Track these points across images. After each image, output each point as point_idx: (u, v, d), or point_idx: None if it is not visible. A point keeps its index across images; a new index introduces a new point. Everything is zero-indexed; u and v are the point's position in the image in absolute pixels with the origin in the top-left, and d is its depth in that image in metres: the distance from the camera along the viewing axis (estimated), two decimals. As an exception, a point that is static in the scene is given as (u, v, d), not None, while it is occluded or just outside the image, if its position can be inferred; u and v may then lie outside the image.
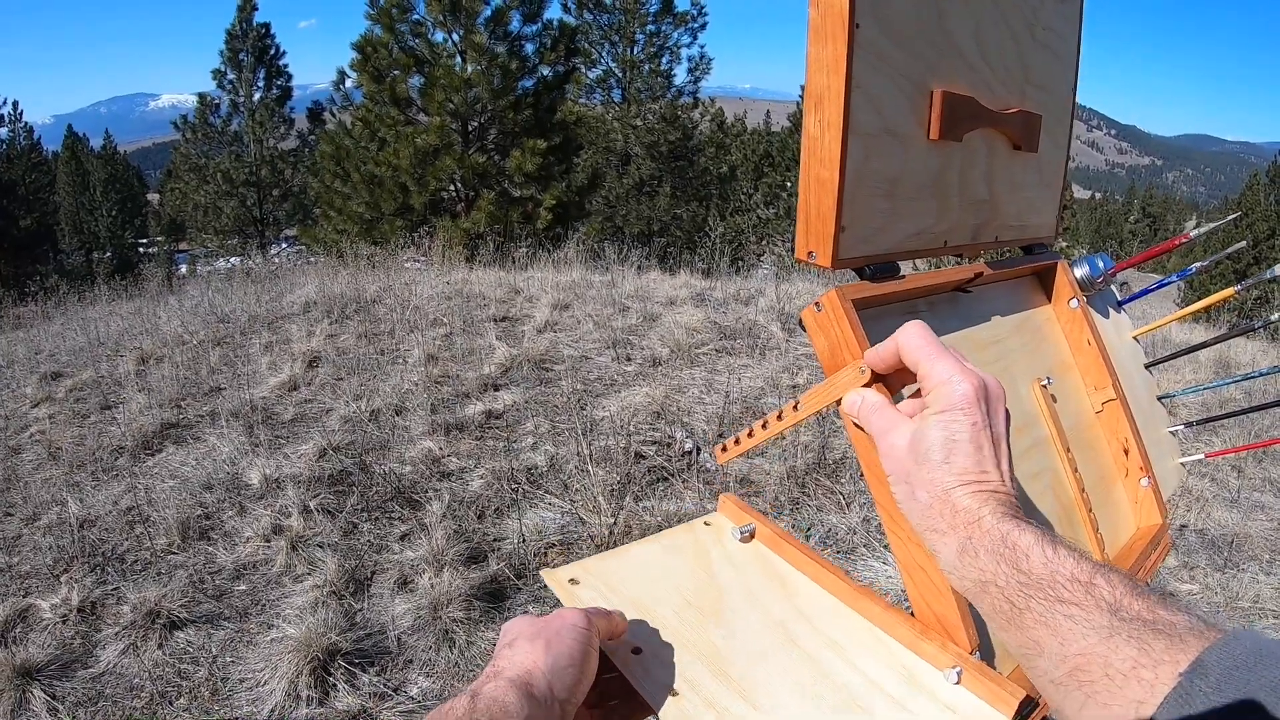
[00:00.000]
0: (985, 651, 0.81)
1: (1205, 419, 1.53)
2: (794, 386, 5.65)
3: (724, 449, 1.00)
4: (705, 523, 0.99)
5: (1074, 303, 1.30)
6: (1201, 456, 1.53)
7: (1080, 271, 1.35)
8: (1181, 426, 1.53)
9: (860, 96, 0.78)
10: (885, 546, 3.78)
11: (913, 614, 0.83)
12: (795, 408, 0.87)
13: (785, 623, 0.84)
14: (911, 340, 0.73)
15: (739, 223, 24.50)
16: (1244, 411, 1.54)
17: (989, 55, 0.99)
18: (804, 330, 0.84)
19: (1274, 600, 3.80)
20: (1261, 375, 1.51)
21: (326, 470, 4.57)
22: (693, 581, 0.89)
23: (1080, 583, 0.57)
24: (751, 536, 0.97)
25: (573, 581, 0.87)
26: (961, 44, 0.93)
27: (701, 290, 8.56)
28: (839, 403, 0.81)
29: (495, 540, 3.91)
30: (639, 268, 10.46)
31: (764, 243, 24.36)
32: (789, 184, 27.25)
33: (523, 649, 0.70)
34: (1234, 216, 1.67)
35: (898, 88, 0.84)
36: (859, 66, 0.77)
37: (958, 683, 0.76)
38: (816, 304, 0.82)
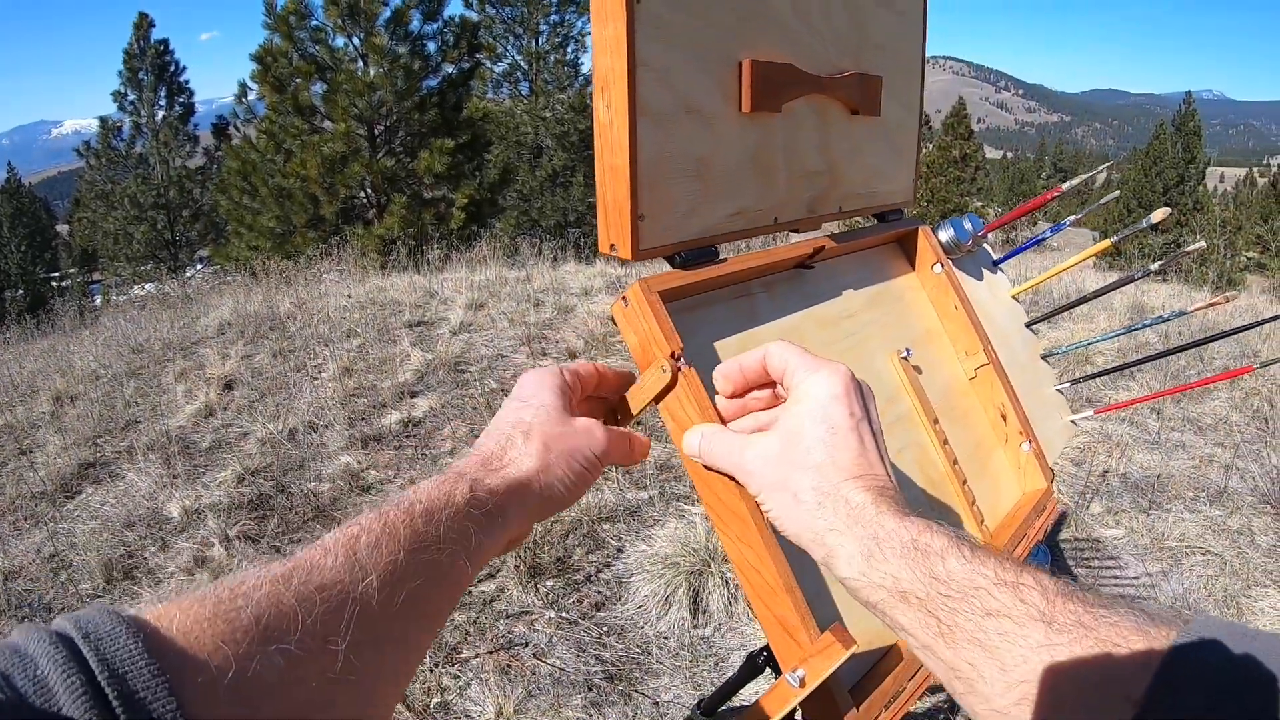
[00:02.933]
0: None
1: (1087, 376, 1.51)
2: None
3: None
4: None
5: (938, 267, 1.26)
6: (1090, 413, 1.51)
7: (944, 235, 1.32)
8: (1067, 384, 1.51)
9: (649, 76, 0.72)
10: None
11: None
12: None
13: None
14: (782, 350, 0.66)
15: None
16: (1126, 365, 1.53)
17: (811, 18, 0.94)
18: (614, 325, 0.79)
19: (1199, 538, 3.88)
20: (1149, 325, 1.49)
21: (246, 496, 4.43)
22: None
23: (1007, 586, 0.50)
24: None
25: None
26: (774, 7, 0.87)
27: (616, 278, 8.51)
28: (657, 401, 0.76)
29: (419, 552, 3.83)
30: (554, 260, 10.38)
31: None
32: None
33: (532, 452, 0.66)
34: (1102, 169, 1.66)
35: (694, 62, 0.78)
36: (643, 44, 0.71)
37: (802, 684, 0.71)
38: (623, 298, 0.76)
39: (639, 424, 4.75)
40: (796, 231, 1.02)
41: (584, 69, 22.49)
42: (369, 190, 14.71)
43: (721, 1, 0.80)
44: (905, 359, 1.12)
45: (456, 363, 6.02)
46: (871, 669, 0.87)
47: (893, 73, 1.13)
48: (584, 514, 3.89)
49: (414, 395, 5.53)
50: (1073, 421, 1.51)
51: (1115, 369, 1.57)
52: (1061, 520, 3.91)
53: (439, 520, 0.56)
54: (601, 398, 0.80)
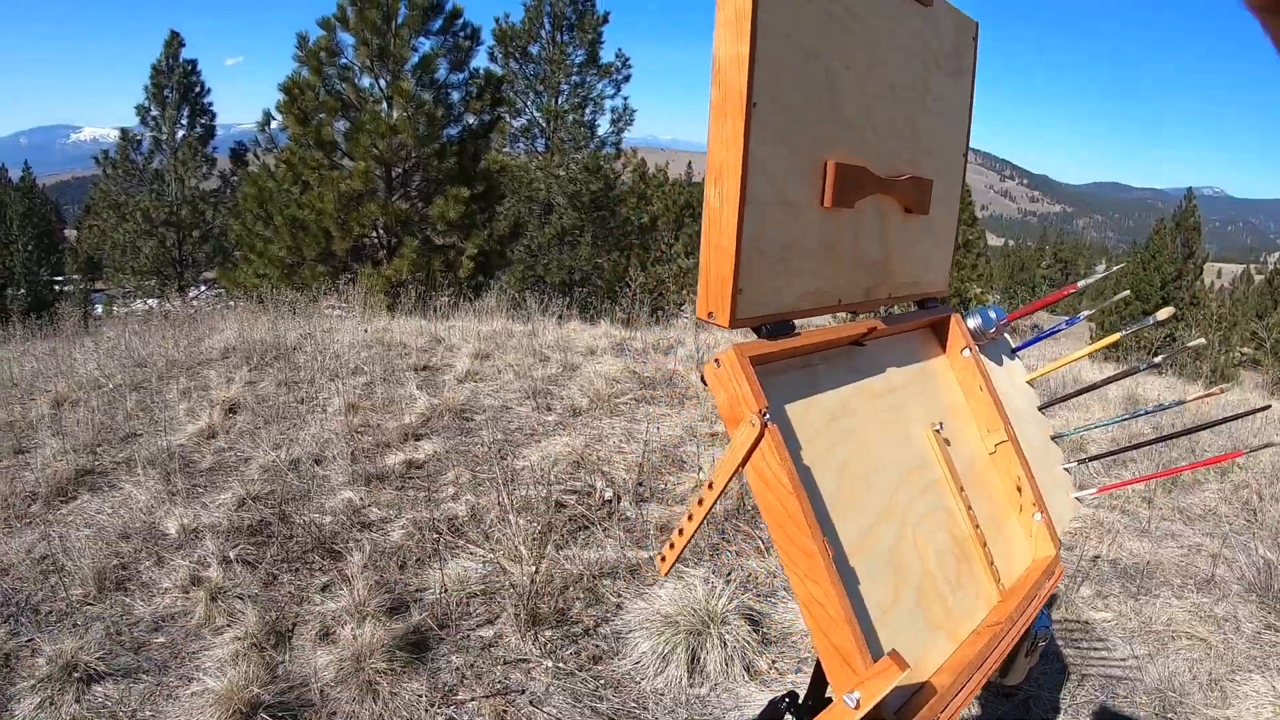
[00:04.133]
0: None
1: (1094, 456, 1.63)
2: (713, 434, 5.73)
3: (663, 558, 1.04)
4: None
5: (966, 352, 1.39)
6: (1094, 491, 1.63)
7: (973, 323, 1.44)
8: (1075, 464, 1.63)
9: (757, 170, 0.85)
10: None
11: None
12: (710, 486, 0.92)
13: None
14: None
15: (659, 272, 24.73)
16: (1121, 450, 1.65)
17: (880, 127, 1.08)
18: (705, 385, 0.90)
19: (1187, 623, 3.96)
20: (1146, 413, 1.62)
21: (246, 520, 4.46)
22: None
23: None
24: None
25: None
26: (853, 119, 1.01)
27: (621, 340, 8.60)
28: (743, 464, 0.87)
29: (417, 591, 3.87)
30: (560, 317, 10.46)
31: (684, 292, 24.65)
32: None
33: None
34: (1119, 268, 1.79)
35: (792, 161, 0.91)
36: (755, 143, 0.84)
37: (858, 705, 0.81)
38: (716, 360, 0.88)
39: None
40: (853, 313, 1.15)
41: (600, 131, 22.79)
42: (381, 231, 14.82)
43: (816, 111, 0.93)
44: (938, 432, 1.24)
45: (462, 410, 6.09)
46: (909, 700, 0.97)
47: (940, 175, 1.27)
48: (586, 569, 3.94)
49: (418, 438, 5.60)
50: (1077, 498, 1.63)
51: (1121, 450, 1.69)
52: (1051, 602, 4.00)
53: None
54: None
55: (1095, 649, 3.72)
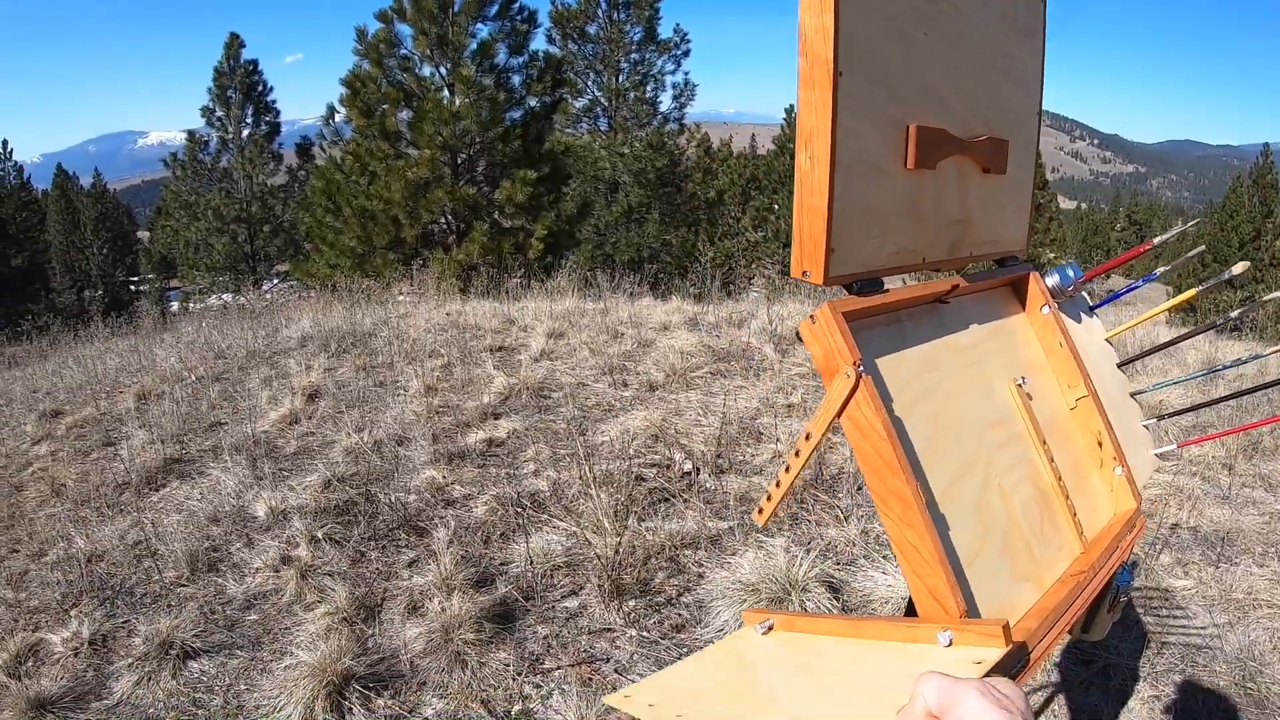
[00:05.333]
0: (974, 612, 0.92)
1: (1173, 412, 1.63)
2: (789, 406, 5.74)
3: (760, 510, 1.11)
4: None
5: (1045, 309, 1.41)
6: (1174, 446, 1.64)
7: (1051, 280, 1.46)
8: (1154, 421, 1.64)
9: (844, 135, 0.89)
10: (885, 557, 3.87)
11: (909, 594, 0.94)
12: (807, 437, 0.98)
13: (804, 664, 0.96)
14: (933, 688, 0.65)
15: (728, 247, 24.64)
16: (1201, 405, 1.65)
17: (960, 91, 1.11)
18: (801, 341, 0.95)
19: (1267, 591, 3.88)
20: (1225, 369, 1.62)
21: (332, 501, 4.62)
22: (736, 681, 1.01)
23: None
24: (770, 629, 1.09)
25: (651, 706, 0.98)
26: (935, 84, 1.05)
27: (694, 315, 8.63)
28: (839, 415, 0.92)
29: (502, 564, 3.99)
30: (631, 295, 10.51)
31: (754, 265, 24.43)
32: (776, 206, 27.38)
33: None
34: (1193, 224, 1.79)
35: (877, 125, 0.96)
36: (843, 110, 0.88)
37: (950, 645, 0.86)
38: (811, 317, 0.93)
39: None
40: (937, 271, 1.20)
41: (662, 107, 22.82)
42: (449, 216, 15.04)
43: (899, 78, 0.98)
44: (1020, 386, 1.27)
45: (539, 388, 6.20)
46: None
47: (1016, 136, 1.30)
48: (668, 540, 4.01)
49: (497, 417, 5.72)
50: (1157, 455, 1.64)
51: (1201, 405, 1.69)
52: (1133, 565, 3.96)
53: None
54: None
55: (1175, 617, 3.68)
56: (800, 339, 0.96)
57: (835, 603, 3.53)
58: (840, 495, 4.49)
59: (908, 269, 1.10)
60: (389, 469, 4.99)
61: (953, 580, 0.89)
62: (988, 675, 0.81)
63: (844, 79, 0.88)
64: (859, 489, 4.53)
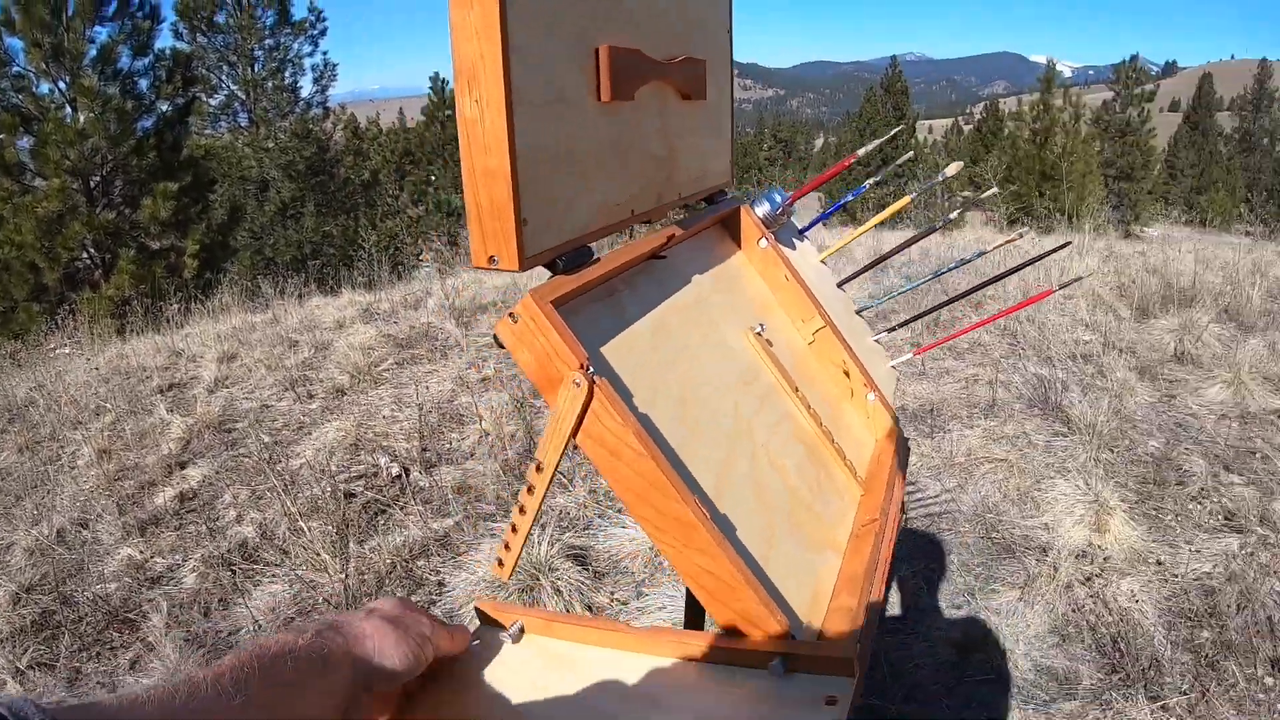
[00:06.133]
0: (798, 630, 0.75)
1: (904, 321, 1.60)
2: (483, 380, 5.56)
3: (500, 563, 0.85)
4: (476, 638, 0.84)
5: (763, 242, 1.28)
6: (910, 355, 1.60)
7: (761, 210, 1.34)
8: (884, 334, 1.59)
9: (521, 62, 0.66)
10: (618, 511, 3.82)
11: (703, 622, 0.75)
12: (538, 469, 0.75)
13: (592, 705, 0.73)
14: None
15: (391, 227, 23.84)
16: (928, 312, 1.63)
17: (644, 2, 0.91)
18: (501, 347, 0.72)
19: (983, 449, 4.24)
20: (946, 272, 1.60)
21: (27, 618, 3.82)
22: (487, 707, 0.75)
23: None
24: (522, 633, 0.84)
25: None
26: (620, -9, 0.84)
27: (368, 305, 8.19)
28: (575, 433, 0.71)
29: (230, 634, 3.49)
30: (299, 296, 9.83)
31: (420, 241, 24.07)
32: (433, 178, 26.91)
33: (371, 622, 0.70)
34: (894, 133, 1.75)
35: (561, 46, 0.73)
36: (515, 25, 0.64)
37: (785, 673, 0.69)
38: (511, 315, 0.70)
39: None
40: (648, 223, 1.00)
41: (304, 93, 21.39)
42: (92, 249, 13.28)
43: None
44: (759, 334, 1.12)
45: (221, 422, 5.55)
46: (820, 633, 0.86)
47: (711, 54, 1.14)
48: (395, 555, 3.70)
49: (183, 466, 5.04)
50: (893, 367, 1.60)
51: (928, 312, 1.67)
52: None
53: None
54: None
55: (910, 494, 3.92)
56: (500, 344, 0.72)
57: (586, 573, 3.43)
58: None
59: (615, 228, 0.88)
60: (79, 559, 4.23)
61: (765, 597, 0.71)
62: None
63: (513, -17, 0.64)
64: (574, 449, 4.43)
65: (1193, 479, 3.92)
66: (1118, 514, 3.53)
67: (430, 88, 28.39)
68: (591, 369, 0.70)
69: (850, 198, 1.54)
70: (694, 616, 1.30)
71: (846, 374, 1.31)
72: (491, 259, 0.70)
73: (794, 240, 1.50)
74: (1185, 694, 2.67)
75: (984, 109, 44.48)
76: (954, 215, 1.50)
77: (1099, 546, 3.45)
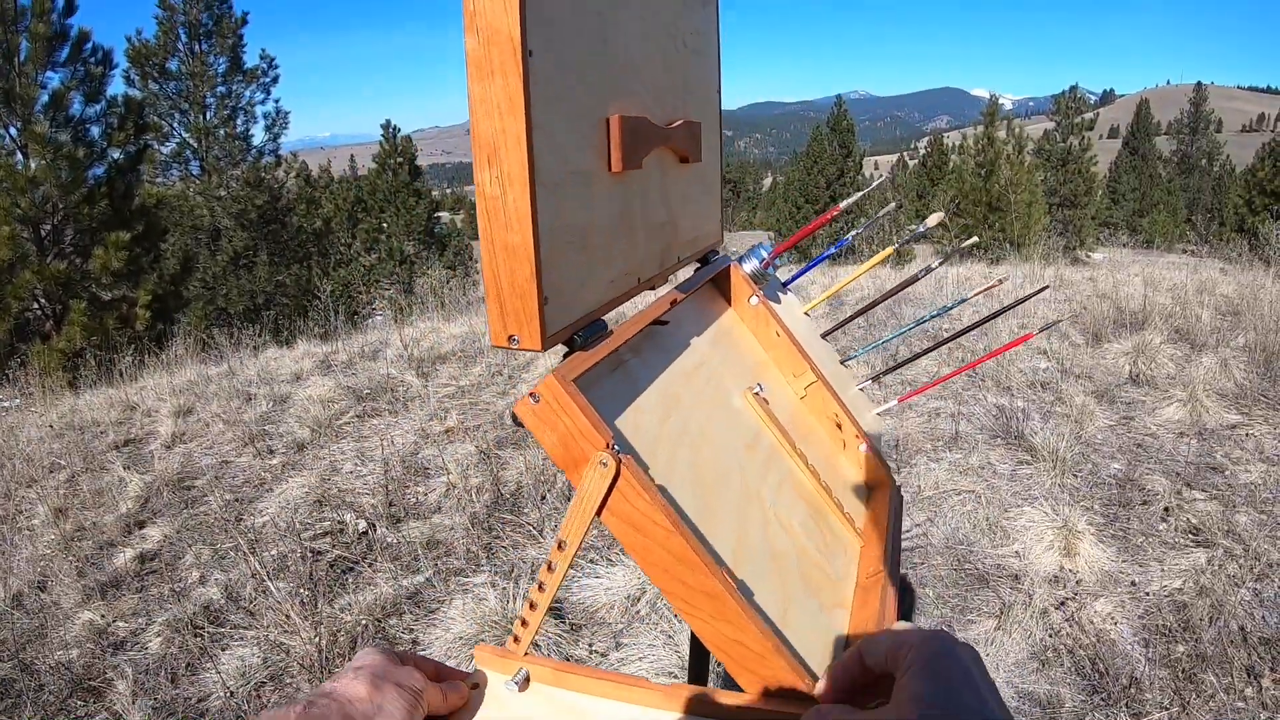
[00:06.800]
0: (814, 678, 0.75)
1: (887, 370, 1.61)
2: (447, 432, 5.52)
3: (515, 639, 0.83)
4: (474, 685, 0.82)
5: (754, 299, 1.29)
6: (895, 403, 1.62)
7: (749, 266, 1.35)
8: (868, 383, 1.61)
9: (544, 139, 0.66)
10: (591, 561, 3.80)
11: (707, 674, 0.74)
12: (560, 547, 0.74)
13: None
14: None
15: (344, 275, 23.72)
16: (909, 361, 1.65)
17: (647, 70, 0.92)
18: (521, 427, 0.72)
19: (949, 480, 4.29)
20: (921, 323, 1.62)
21: (-12, 691, 3.68)
22: None
23: None
24: (527, 681, 0.82)
25: None
26: (625, 63, 0.85)
27: (324, 356, 8.11)
28: (599, 512, 0.70)
29: (199, 701, 3.38)
30: (255, 348, 9.72)
31: (373, 289, 23.90)
32: (385, 225, 26.87)
33: (363, 683, 0.70)
34: (878, 183, 1.78)
35: (573, 122, 0.73)
36: (538, 103, 0.65)
37: None
38: (532, 395, 0.70)
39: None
40: (652, 289, 1.01)
41: (255, 141, 21.21)
42: (42, 300, 13.02)
43: (591, 57, 0.76)
44: (758, 394, 1.13)
45: (180, 479, 5.43)
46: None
47: (705, 116, 1.15)
48: (366, 614, 3.63)
49: (142, 525, 4.91)
50: (879, 415, 1.61)
51: (909, 361, 1.69)
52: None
53: None
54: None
55: (884, 532, 3.93)
56: (518, 423, 0.72)
57: (562, 625, 3.40)
58: (526, 511, 4.36)
59: (624, 298, 0.89)
60: (39, 624, 4.08)
61: (794, 662, 0.71)
62: None
63: (534, 61, 0.64)
64: (542, 499, 4.43)
65: (1156, 498, 4.00)
66: (1086, 537, 3.58)
67: (382, 135, 28.37)
68: (618, 448, 0.69)
69: (833, 250, 1.56)
70: (698, 670, 1.30)
71: (839, 426, 1.33)
72: (512, 339, 0.69)
73: (778, 294, 1.52)
74: (1166, 709, 2.70)
75: (928, 143, 45.46)
76: (937, 265, 1.52)
77: (1070, 570, 3.49)
